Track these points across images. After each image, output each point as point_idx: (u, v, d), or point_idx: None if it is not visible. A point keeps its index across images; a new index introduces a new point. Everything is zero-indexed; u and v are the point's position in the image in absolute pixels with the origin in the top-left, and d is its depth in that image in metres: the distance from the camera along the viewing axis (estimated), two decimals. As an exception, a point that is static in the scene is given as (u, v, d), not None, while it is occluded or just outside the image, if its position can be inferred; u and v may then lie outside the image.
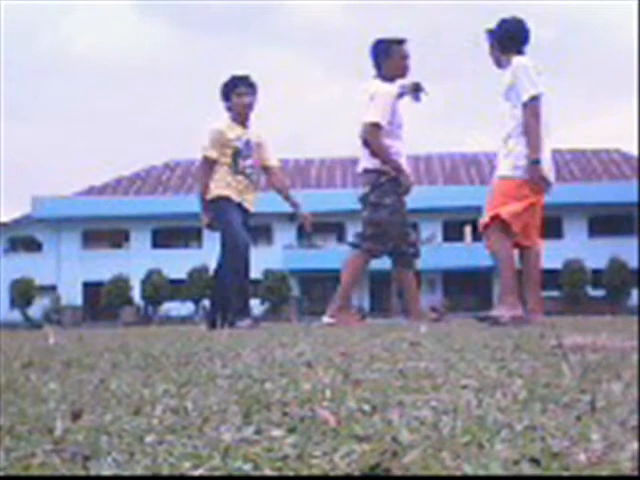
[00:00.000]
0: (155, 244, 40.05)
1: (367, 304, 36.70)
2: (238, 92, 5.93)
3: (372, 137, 5.57)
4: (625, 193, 36.56)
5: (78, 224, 39.50)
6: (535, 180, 4.98)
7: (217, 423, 1.12)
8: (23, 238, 40.51)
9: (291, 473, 0.84)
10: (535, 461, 0.83)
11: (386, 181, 5.67)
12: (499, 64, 5.25)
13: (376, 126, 5.53)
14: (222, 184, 5.97)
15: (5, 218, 41.66)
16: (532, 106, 4.93)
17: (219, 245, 6.04)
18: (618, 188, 37.23)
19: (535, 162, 4.94)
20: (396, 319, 12.75)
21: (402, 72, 5.78)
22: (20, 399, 1.44)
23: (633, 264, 34.19)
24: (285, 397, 1.35)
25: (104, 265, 37.51)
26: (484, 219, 5.06)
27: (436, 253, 34.93)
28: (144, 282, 36.22)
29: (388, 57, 5.71)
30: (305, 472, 0.84)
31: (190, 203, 39.19)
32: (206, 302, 36.03)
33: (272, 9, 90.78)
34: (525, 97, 4.94)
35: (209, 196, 6.04)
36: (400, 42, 5.79)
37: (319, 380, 1.58)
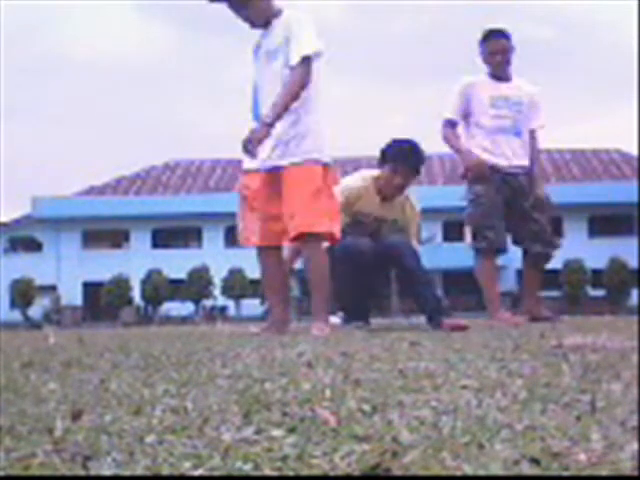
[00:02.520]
0: (155, 244, 40.07)
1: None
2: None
3: (442, 131, 5.37)
4: (625, 193, 36.58)
5: (78, 224, 39.50)
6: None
7: (217, 423, 1.12)
8: (23, 238, 40.53)
9: (291, 473, 0.83)
10: (535, 461, 0.83)
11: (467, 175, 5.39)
12: (269, 17, 4.11)
13: (445, 120, 5.37)
14: None
15: (5, 218, 41.72)
16: (303, 69, 3.88)
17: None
18: (618, 188, 37.25)
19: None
20: (396, 319, 12.75)
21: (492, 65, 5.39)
22: (20, 399, 1.44)
23: (633, 264, 34.21)
24: (285, 397, 1.35)
25: (104, 265, 37.53)
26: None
27: (436, 253, 34.94)
28: (144, 282, 36.24)
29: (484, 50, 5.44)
30: (305, 472, 0.84)
31: (190, 203, 39.35)
32: (206, 302, 36.05)
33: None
34: (300, 55, 3.88)
35: None
36: (492, 35, 5.40)
37: (319, 380, 1.58)
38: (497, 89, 5.40)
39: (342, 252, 4.53)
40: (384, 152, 4.97)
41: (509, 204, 5.38)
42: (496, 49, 5.37)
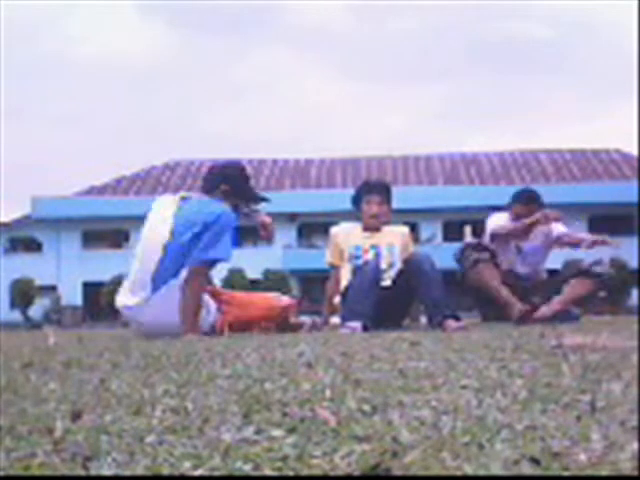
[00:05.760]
0: (155, 244, 40.03)
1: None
2: None
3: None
4: (625, 193, 36.55)
5: (78, 224, 39.49)
6: None
7: (217, 423, 1.12)
8: (23, 238, 40.49)
9: (291, 473, 0.84)
10: (535, 461, 0.83)
11: None
12: None
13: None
14: None
15: (5, 218, 41.68)
16: None
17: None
18: (618, 188, 37.22)
19: None
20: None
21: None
22: (20, 399, 1.44)
23: (633, 264, 34.19)
24: (285, 397, 1.35)
25: (104, 265, 37.49)
26: None
27: (436, 253, 34.90)
28: (144, 282, 36.19)
29: None
30: (305, 472, 0.84)
31: (190, 203, 39.35)
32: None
33: (273, 9, 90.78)
34: None
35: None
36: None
37: (319, 380, 1.58)
38: (522, 240, 5.63)
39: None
40: (354, 197, 5.41)
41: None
42: (522, 213, 5.51)
